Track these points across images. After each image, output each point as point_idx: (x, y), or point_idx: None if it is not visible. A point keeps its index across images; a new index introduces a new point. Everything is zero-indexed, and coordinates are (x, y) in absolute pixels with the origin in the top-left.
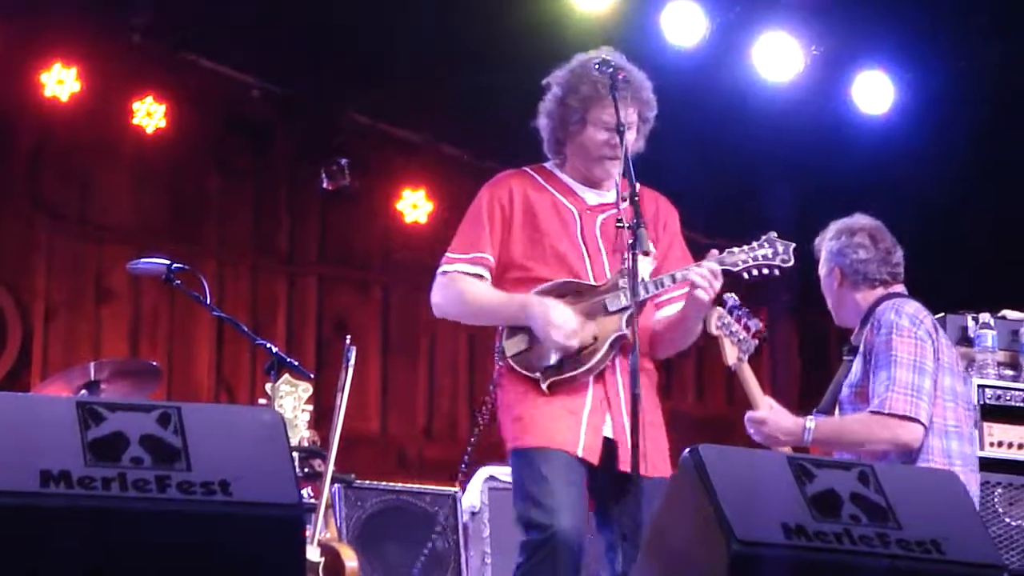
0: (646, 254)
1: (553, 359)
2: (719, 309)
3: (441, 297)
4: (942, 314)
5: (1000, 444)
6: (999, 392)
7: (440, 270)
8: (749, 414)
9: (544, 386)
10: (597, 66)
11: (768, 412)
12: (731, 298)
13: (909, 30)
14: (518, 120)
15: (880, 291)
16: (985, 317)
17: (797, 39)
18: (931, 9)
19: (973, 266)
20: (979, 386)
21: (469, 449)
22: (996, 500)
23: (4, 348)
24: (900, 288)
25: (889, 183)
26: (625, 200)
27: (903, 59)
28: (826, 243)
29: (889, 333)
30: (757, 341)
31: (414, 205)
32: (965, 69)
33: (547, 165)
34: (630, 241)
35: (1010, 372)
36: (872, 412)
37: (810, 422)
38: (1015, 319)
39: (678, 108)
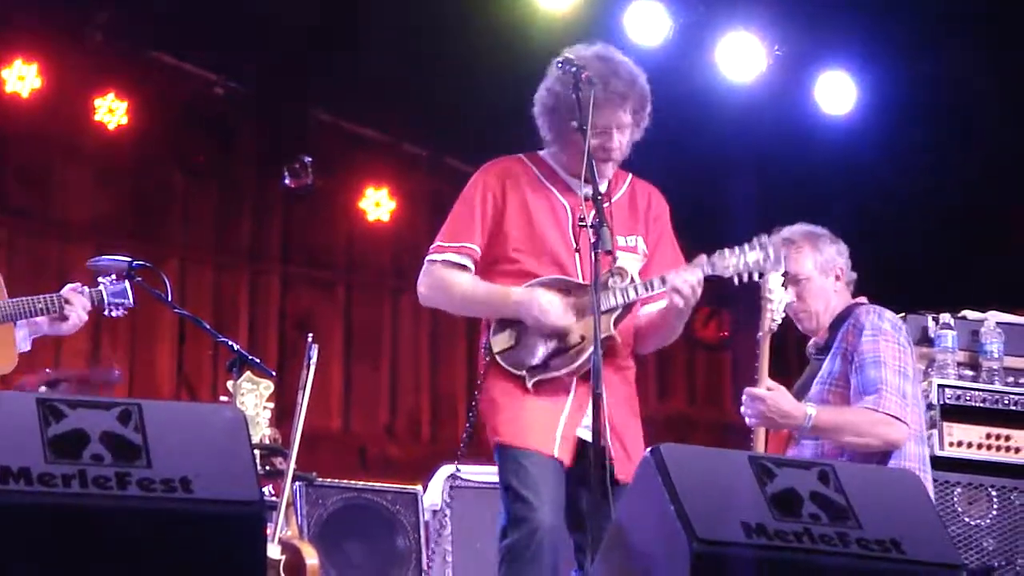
0: (608, 253)
1: (539, 356)
2: (776, 275)
3: (427, 287)
4: (903, 314)
5: (959, 444)
6: (959, 392)
7: (428, 258)
8: (749, 389)
9: (529, 384)
10: (560, 64)
11: (769, 391)
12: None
13: (872, 31)
14: (480, 118)
15: (853, 298)
16: (945, 317)
17: (760, 39)
18: (893, 10)
19: (933, 266)
20: (939, 386)
21: (463, 444)
22: (955, 500)
23: None
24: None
25: (851, 183)
26: (588, 198)
27: (866, 60)
28: (827, 246)
29: (875, 335)
30: (783, 317)
31: (377, 203)
32: (927, 70)
33: (542, 154)
34: (592, 240)
35: (970, 372)
36: (865, 407)
37: (811, 408)
38: (975, 319)
39: None
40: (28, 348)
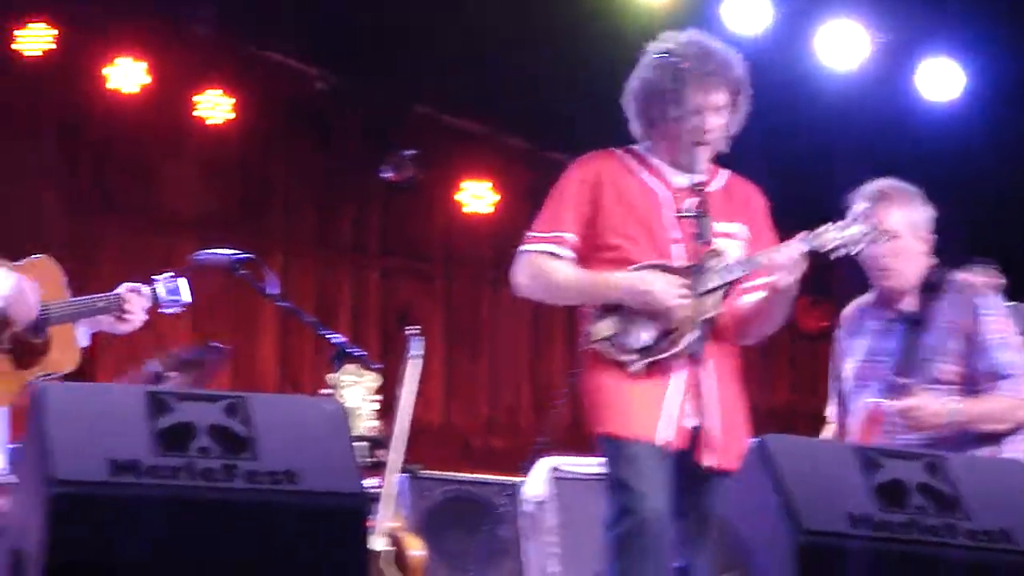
0: (708, 244)
1: (643, 341)
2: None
3: (523, 277)
4: (1014, 302)
5: None
6: None
7: (522, 248)
8: (896, 405)
9: (634, 369)
10: (659, 55)
11: (917, 398)
12: None
13: (978, 15)
14: (580, 110)
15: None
16: None
17: (863, 26)
18: None
19: None
20: None
21: (542, 437)
22: None
23: None
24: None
25: (957, 171)
26: (687, 186)
27: (972, 45)
28: (919, 206)
29: (994, 315)
30: None
31: (476, 196)
32: None
33: (637, 147)
34: (693, 230)
35: None
36: (1004, 395)
37: (954, 404)
38: None
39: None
40: (87, 343)
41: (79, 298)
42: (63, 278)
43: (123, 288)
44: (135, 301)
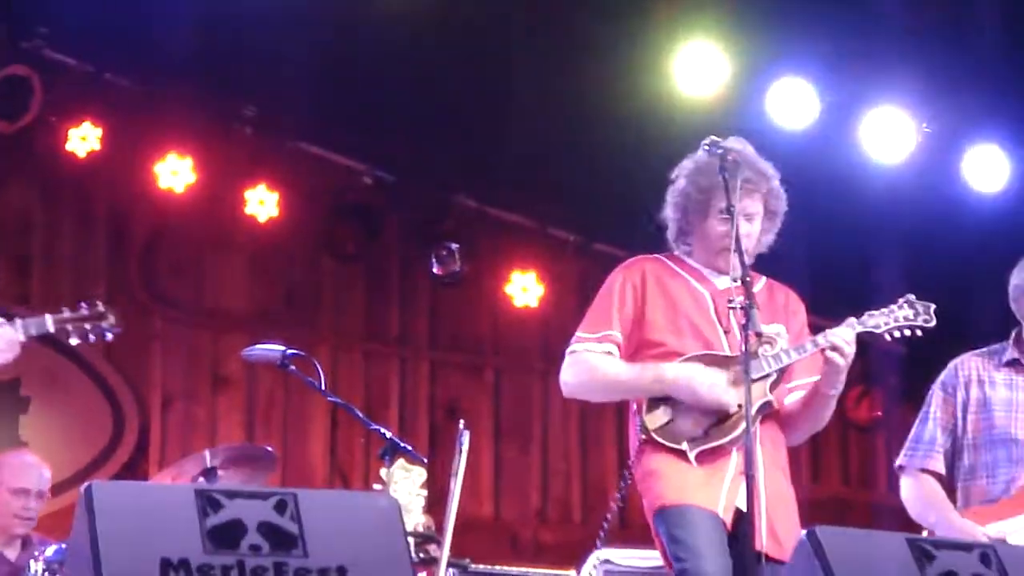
0: (758, 335)
1: (698, 429)
2: None
3: (570, 376)
4: None
5: None
6: None
7: (568, 350)
8: None
9: (692, 456)
10: (706, 147)
11: None
12: None
13: None
14: (625, 202)
15: None
16: None
17: (910, 115)
18: None
19: None
20: None
21: (606, 525)
22: None
23: (122, 437)
24: None
25: (1003, 262)
26: (736, 280)
27: (1020, 133)
28: None
29: None
30: None
31: (524, 288)
32: None
33: (677, 253)
34: (742, 322)
35: None
36: None
37: None
38: None
39: (787, 191)
40: None
41: None
42: None
43: None
44: None
